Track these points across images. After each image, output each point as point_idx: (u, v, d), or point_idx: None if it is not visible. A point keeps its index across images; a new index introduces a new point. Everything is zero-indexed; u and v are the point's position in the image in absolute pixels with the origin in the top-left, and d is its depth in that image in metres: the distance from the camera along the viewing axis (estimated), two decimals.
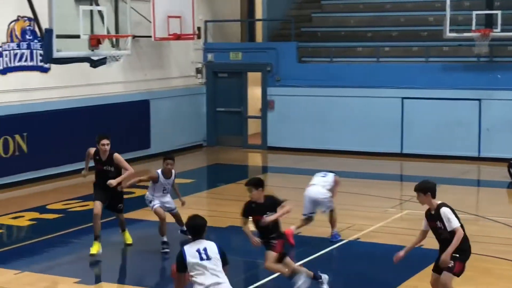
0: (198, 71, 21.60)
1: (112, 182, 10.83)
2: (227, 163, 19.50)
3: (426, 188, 8.32)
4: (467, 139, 18.71)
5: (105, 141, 11.02)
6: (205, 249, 6.89)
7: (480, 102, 18.57)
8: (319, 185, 11.46)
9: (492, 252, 10.83)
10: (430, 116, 18.97)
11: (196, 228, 6.93)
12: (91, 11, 16.41)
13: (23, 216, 13.44)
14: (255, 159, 20.61)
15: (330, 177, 11.62)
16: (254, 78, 21.39)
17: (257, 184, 9.05)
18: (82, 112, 17.48)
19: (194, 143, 21.33)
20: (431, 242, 11.47)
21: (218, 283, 6.86)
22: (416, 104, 19.16)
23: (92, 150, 11.33)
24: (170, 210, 11.72)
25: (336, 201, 14.28)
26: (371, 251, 11.21)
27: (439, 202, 8.23)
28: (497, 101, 18.38)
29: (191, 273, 6.81)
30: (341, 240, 11.58)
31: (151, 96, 19.68)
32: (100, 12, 16.58)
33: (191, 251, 6.84)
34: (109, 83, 18.40)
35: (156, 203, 11.37)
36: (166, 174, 11.43)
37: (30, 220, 13.25)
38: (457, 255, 8.10)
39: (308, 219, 11.52)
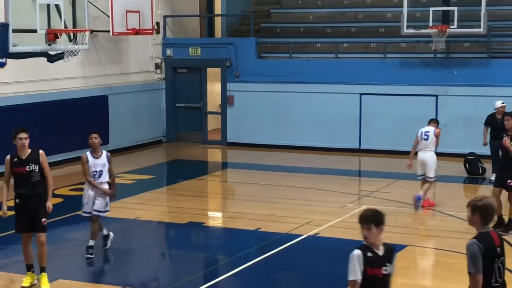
0: (157, 66, 21.49)
1: (50, 205, 9.24)
2: (186, 159, 19.45)
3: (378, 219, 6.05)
4: None
5: (23, 135, 9.23)
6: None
7: (437, 98, 18.79)
8: (425, 150, 13.38)
9: (449, 247, 10.97)
10: (387, 112, 19.14)
11: None
12: (48, 5, 16.18)
13: None
14: (214, 155, 20.58)
15: (431, 136, 13.40)
16: (213, 74, 21.35)
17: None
18: (39, 107, 17.25)
19: (153, 138, 21.21)
20: (391, 237, 11.62)
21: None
22: (374, 100, 19.31)
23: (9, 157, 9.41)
24: (97, 211, 10.49)
25: (295, 197, 14.37)
26: (330, 246, 11.28)
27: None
28: (453, 97, 18.62)
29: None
30: (419, 204, 13.03)
31: (109, 91, 19.51)
32: (57, 6, 16.36)
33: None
34: (66, 78, 18.18)
35: (84, 209, 10.50)
36: (95, 152, 10.37)
37: None
38: None
39: (423, 179, 13.41)
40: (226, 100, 20.86)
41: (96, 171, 10.37)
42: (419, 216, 12.97)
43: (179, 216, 12.99)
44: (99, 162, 10.36)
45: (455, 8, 17.99)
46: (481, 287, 5.81)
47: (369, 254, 5.97)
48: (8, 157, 9.25)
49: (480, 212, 5.90)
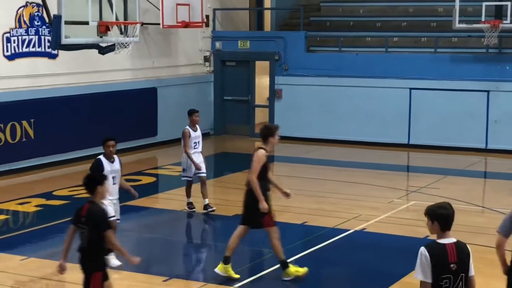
0: (206, 59, 21.57)
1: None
2: (234, 152, 19.50)
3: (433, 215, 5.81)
4: (474, 130, 18.65)
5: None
6: None
7: (488, 93, 18.50)
8: None
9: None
10: (438, 107, 18.92)
11: None
12: None
13: (29, 202, 13.47)
14: None
15: None
16: (262, 67, 21.35)
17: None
18: (89, 99, 17.48)
19: (201, 131, 21.25)
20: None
21: None
22: (424, 95, 19.10)
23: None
24: (200, 174, 12.59)
25: (343, 191, 14.31)
26: (377, 241, 11.20)
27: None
28: (505, 93, 18.30)
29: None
30: None
31: (158, 83, 19.67)
32: None
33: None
34: (117, 70, 18.39)
35: (188, 174, 12.62)
36: (194, 127, 12.65)
37: (37, 206, 13.28)
38: None
39: None
40: (274, 94, 20.84)
41: (196, 142, 12.65)
42: (468, 213, 12.79)
43: (225, 209, 13.02)
44: (197, 135, 12.72)
45: (509, 3, 17.65)
46: None
47: None
48: (265, 152, 9.36)
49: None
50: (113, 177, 9.72)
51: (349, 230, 11.56)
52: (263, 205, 9.03)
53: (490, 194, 14.85)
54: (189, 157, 12.50)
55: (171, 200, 13.74)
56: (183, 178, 12.77)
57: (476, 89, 18.55)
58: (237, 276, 9.33)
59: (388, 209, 12.91)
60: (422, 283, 5.62)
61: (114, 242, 7.23)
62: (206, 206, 12.66)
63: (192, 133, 12.63)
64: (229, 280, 9.32)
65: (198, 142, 12.74)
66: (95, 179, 7.31)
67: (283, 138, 20.90)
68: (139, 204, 13.16)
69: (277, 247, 9.26)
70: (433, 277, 5.59)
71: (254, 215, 9.17)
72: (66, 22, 15.61)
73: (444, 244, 5.69)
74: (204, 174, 12.71)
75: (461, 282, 5.68)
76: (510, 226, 6.65)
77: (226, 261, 9.36)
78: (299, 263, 10.03)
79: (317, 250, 10.56)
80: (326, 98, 20.06)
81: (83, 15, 15.85)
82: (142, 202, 13.32)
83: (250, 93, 21.37)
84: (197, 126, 12.78)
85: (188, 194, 12.80)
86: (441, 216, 5.74)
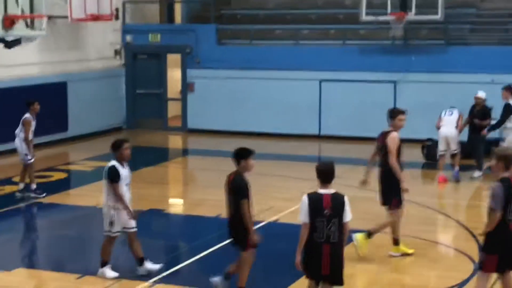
0: (117, 52, 21.34)
1: None
2: (147, 146, 19.37)
3: None
4: (383, 120, 18.98)
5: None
6: None
7: (395, 84, 19.00)
8: (449, 125, 14.23)
9: (408, 232, 11.12)
10: (347, 98, 19.29)
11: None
12: None
13: None
14: (175, 142, 20.55)
15: (455, 113, 14.35)
16: (174, 60, 21.27)
17: None
18: None
19: (113, 126, 21.08)
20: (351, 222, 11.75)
21: None
22: (333, 87, 19.45)
23: None
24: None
25: (255, 184, 14.43)
26: (290, 232, 11.30)
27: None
28: (411, 84, 18.84)
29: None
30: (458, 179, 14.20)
31: (68, 78, 19.33)
32: None
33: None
34: (24, 65, 17.97)
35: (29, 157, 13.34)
36: (35, 116, 13.43)
37: None
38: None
39: (442, 155, 14.39)
40: (187, 87, 20.82)
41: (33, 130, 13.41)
42: (377, 202, 13.10)
43: (139, 203, 12.93)
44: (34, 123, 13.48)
45: None
46: (496, 223, 7.13)
47: None
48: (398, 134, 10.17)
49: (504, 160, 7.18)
50: (126, 184, 9.26)
51: (263, 221, 11.70)
52: (405, 186, 9.88)
53: None
54: (28, 144, 13.20)
55: (83, 196, 13.58)
56: (28, 162, 13.24)
57: (383, 80, 19.02)
58: (410, 251, 9.97)
59: (301, 199, 13.09)
60: (303, 224, 7.20)
61: (247, 212, 8.23)
62: (34, 190, 13.30)
63: (33, 122, 13.39)
64: (145, 276, 9.31)
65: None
66: (239, 153, 8.85)
67: (195, 131, 21.06)
68: (51, 201, 12.97)
69: (394, 228, 10.02)
70: (310, 219, 7.15)
71: (389, 195, 9.89)
72: None
73: (321, 194, 7.37)
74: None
75: (333, 225, 7.17)
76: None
77: (396, 242, 9.99)
78: (214, 255, 10.11)
79: (231, 242, 10.64)
80: (238, 90, 20.18)
81: None
82: (54, 198, 13.13)
83: (162, 87, 21.26)
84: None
85: (23, 178, 13.33)
86: (319, 171, 7.54)
